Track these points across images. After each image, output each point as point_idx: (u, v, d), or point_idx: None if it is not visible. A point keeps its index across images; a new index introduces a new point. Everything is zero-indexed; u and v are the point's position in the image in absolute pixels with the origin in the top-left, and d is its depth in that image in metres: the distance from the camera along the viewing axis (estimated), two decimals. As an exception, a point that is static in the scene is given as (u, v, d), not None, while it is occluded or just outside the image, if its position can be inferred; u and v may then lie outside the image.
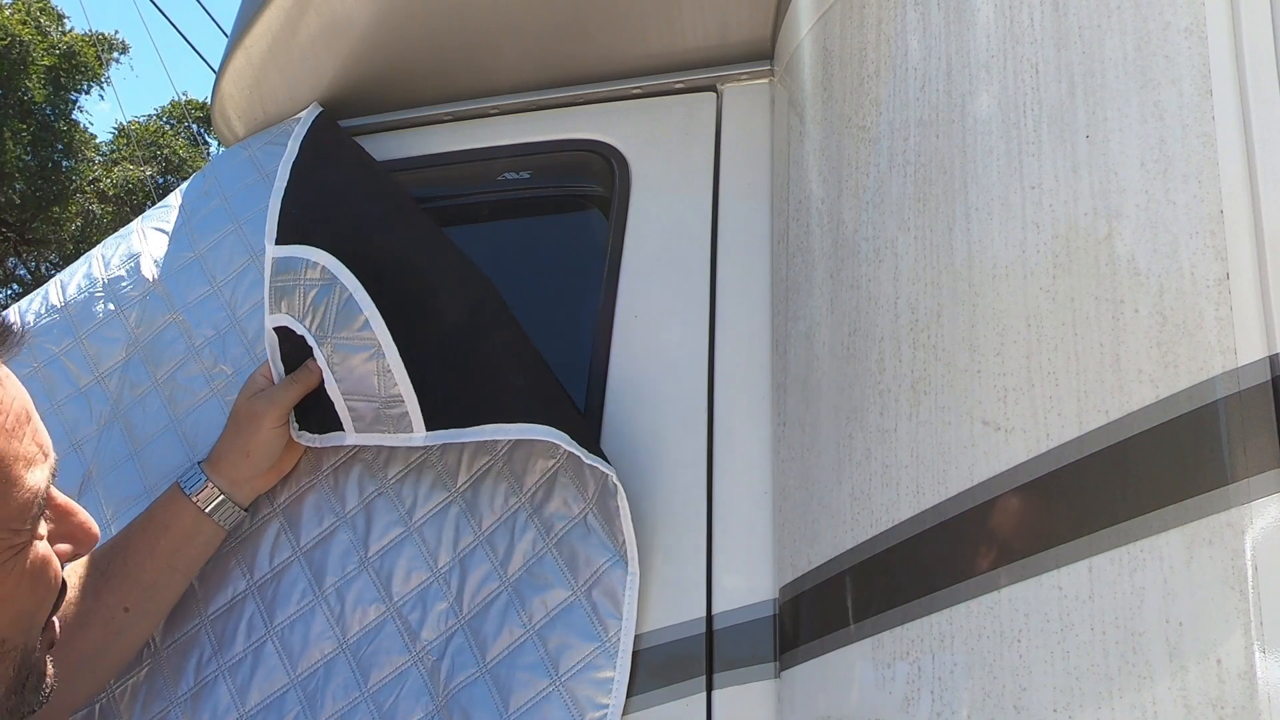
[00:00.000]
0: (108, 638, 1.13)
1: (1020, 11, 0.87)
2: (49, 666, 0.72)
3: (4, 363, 0.65)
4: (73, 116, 16.60)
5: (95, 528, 0.74)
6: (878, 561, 0.93)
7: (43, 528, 0.68)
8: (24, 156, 15.14)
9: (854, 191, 1.03)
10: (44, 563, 0.67)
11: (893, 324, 0.94)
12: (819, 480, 1.04)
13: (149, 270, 1.47)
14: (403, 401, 1.21)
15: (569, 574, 1.16)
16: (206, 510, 1.20)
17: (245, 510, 1.24)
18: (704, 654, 1.16)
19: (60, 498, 0.71)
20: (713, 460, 1.23)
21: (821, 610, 1.02)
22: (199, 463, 1.24)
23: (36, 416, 0.66)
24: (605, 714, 1.09)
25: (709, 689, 1.14)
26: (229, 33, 1.57)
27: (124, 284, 1.47)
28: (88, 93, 16.50)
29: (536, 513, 1.21)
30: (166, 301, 1.44)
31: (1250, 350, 0.71)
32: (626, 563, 1.14)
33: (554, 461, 1.22)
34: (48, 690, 0.71)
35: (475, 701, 1.12)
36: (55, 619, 0.72)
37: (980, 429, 0.83)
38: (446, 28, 1.41)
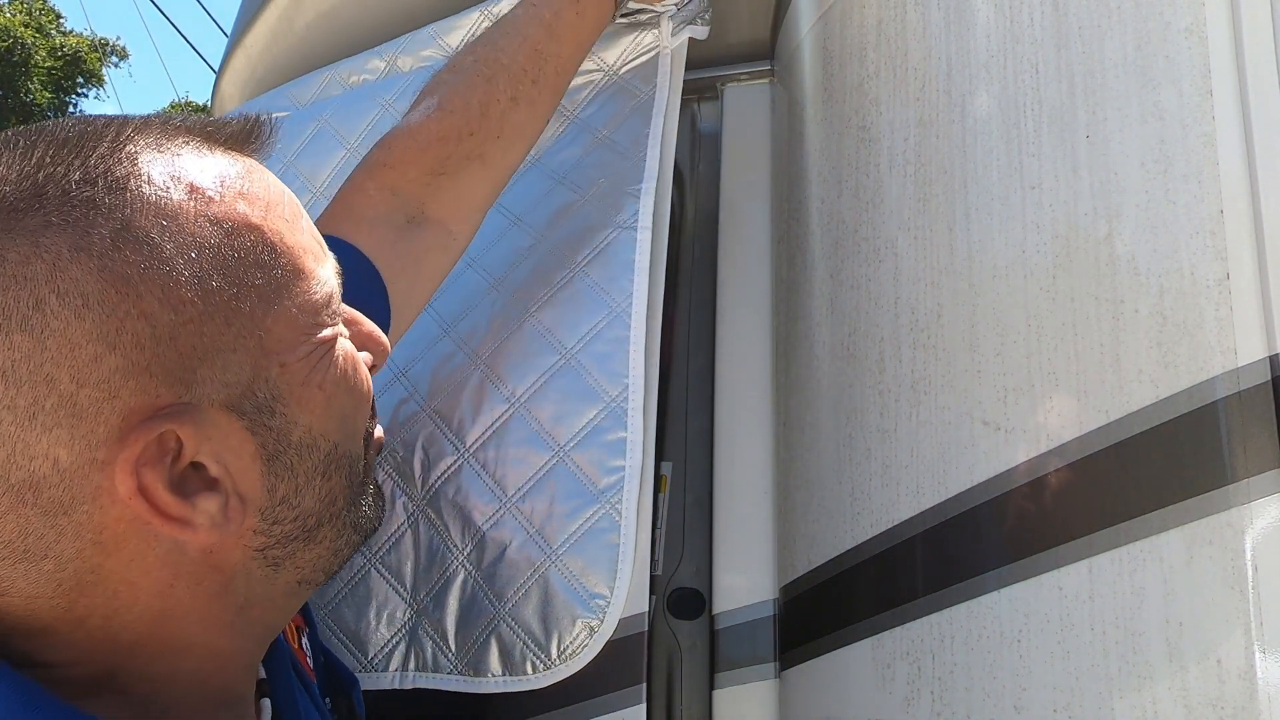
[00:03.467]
0: (526, 152, 1.07)
1: (1020, 11, 0.87)
2: (376, 480, 0.68)
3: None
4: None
5: (383, 336, 0.69)
6: (878, 561, 0.93)
7: (344, 330, 0.63)
8: (22, 158, 15.14)
9: (854, 191, 1.03)
10: (355, 363, 0.62)
11: (893, 324, 0.94)
12: (819, 480, 1.04)
13: None
14: None
15: (554, 340, 1.06)
16: None
17: None
18: (707, 652, 1.16)
19: (345, 308, 0.66)
20: (713, 460, 1.23)
21: (821, 610, 1.02)
22: None
23: (306, 214, 0.62)
24: (621, 477, 0.97)
25: (710, 688, 1.14)
26: (229, 33, 1.58)
27: None
28: (84, 96, 16.53)
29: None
30: None
31: (1250, 350, 0.71)
32: (630, 321, 1.03)
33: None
34: (382, 500, 0.68)
35: (466, 489, 1.02)
36: (379, 425, 0.68)
37: (980, 429, 0.83)
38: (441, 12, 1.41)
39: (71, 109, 16.69)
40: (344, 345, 0.61)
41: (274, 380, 0.55)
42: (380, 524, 0.68)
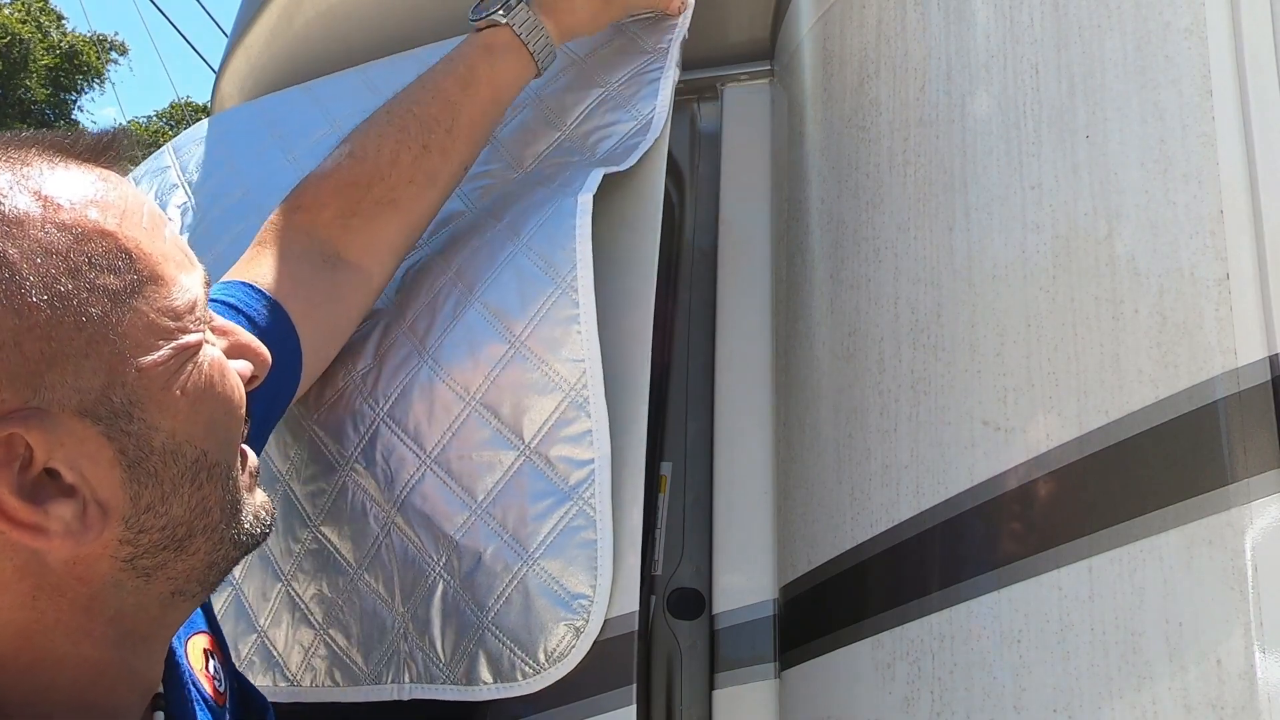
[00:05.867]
0: (443, 198, 1.11)
1: (1020, 11, 0.87)
2: (260, 494, 0.68)
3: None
4: (73, 117, 16.64)
5: (263, 348, 0.69)
6: (878, 561, 0.93)
7: (213, 338, 0.63)
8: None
9: (854, 191, 1.03)
10: (223, 369, 0.62)
11: (893, 324, 0.94)
12: (819, 480, 1.04)
13: None
14: None
15: (500, 325, 1.02)
16: (535, 53, 1.13)
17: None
18: (707, 652, 1.16)
19: (218, 318, 0.67)
20: (713, 460, 1.23)
21: (822, 610, 1.02)
22: None
23: (172, 227, 0.62)
24: (591, 470, 0.94)
25: (710, 688, 1.14)
26: (229, 33, 1.58)
27: None
28: (84, 93, 16.52)
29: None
30: None
31: (1250, 350, 0.71)
32: (578, 298, 0.99)
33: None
34: (268, 518, 0.68)
35: (433, 497, 0.99)
36: (247, 448, 0.67)
37: (980, 429, 0.83)
38: (443, 15, 1.41)
39: (71, 106, 16.69)
40: (210, 352, 0.61)
41: (131, 385, 0.55)
42: (265, 539, 0.68)
